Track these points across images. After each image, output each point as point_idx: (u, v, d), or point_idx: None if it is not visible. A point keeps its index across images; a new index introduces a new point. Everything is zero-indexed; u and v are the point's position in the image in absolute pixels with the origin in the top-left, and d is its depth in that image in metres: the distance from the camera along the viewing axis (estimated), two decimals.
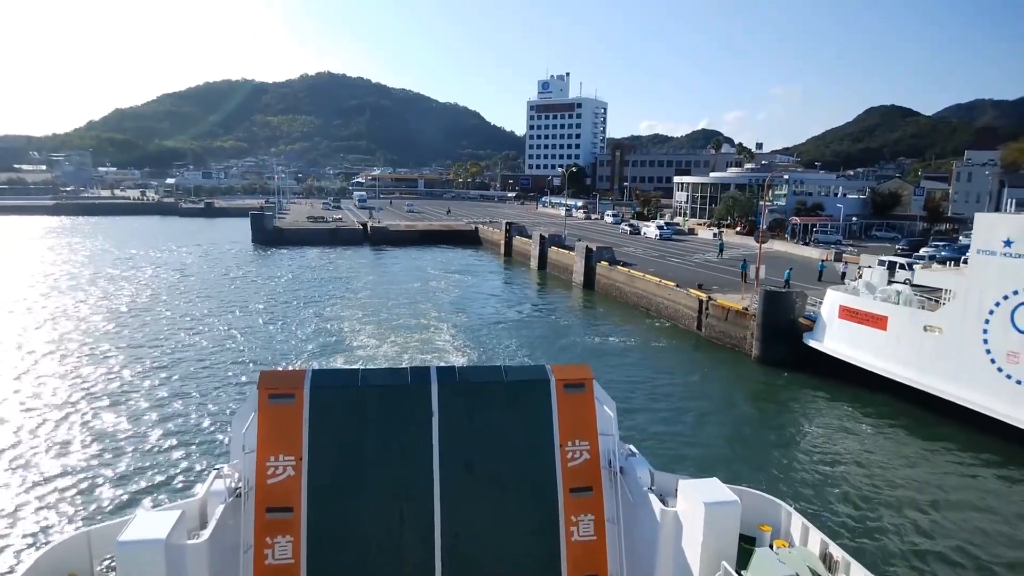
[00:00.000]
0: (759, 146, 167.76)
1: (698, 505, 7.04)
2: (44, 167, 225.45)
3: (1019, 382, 21.59)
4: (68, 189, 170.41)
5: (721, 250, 56.99)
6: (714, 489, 7.30)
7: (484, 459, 7.85)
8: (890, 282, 29.60)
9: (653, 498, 7.79)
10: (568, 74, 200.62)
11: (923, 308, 25.38)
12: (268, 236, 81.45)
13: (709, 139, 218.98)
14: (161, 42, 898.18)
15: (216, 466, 7.99)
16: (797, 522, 7.71)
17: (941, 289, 26.01)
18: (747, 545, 7.31)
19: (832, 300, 28.87)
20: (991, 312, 22.33)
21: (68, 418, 23.21)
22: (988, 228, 22.72)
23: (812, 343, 29.59)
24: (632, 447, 8.75)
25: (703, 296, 36.25)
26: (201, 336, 35.21)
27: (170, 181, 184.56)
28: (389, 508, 7.47)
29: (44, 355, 31.17)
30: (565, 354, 32.93)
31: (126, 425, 22.63)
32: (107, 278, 54.65)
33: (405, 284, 53.15)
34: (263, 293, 48.78)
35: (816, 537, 7.33)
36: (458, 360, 31.06)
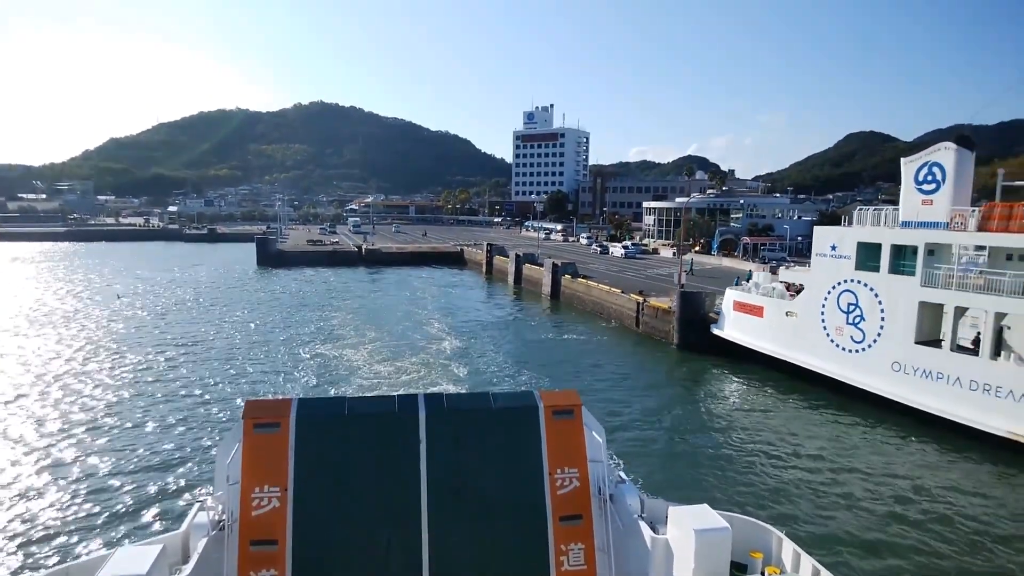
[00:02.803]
0: (731, 172, 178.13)
1: (688, 532, 7.04)
2: (44, 196, 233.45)
3: (844, 349, 29.83)
4: (74, 217, 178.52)
5: (691, 268, 65.11)
6: (705, 516, 7.31)
7: (473, 488, 7.76)
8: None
9: (644, 526, 7.79)
10: (552, 105, 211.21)
11: (786, 298, 33.68)
12: (272, 258, 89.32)
13: (694, 165, 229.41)
14: (155, 73, 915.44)
15: (199, 498, 8.53)
16: (788, 548, 7.68)
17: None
18: (739, 573, 7.37)
19: (729, 296, 37.12)
20: (825, 299, 30.68)
21: (50, 445, 22.74)
22: (821, 237, 31.24)
23: (716, 331, 37.77)
24: (622, 473, 8.84)
25: (640, 299, 44.54)
26: (226, 341, 43.09)
27: (172, 208, 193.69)
28: (376, 539, 7.37)
29: (52, 374, 32.25)
30: (529, 345, 41.13)
31: (111, 453, 22.08)
32: (135, 293, 62.50)
33: (399, 296, 61.82)
34: (277, 304, 56.89)
35: (808, 563, 7.31)
36: (449, 346, 39.09)
